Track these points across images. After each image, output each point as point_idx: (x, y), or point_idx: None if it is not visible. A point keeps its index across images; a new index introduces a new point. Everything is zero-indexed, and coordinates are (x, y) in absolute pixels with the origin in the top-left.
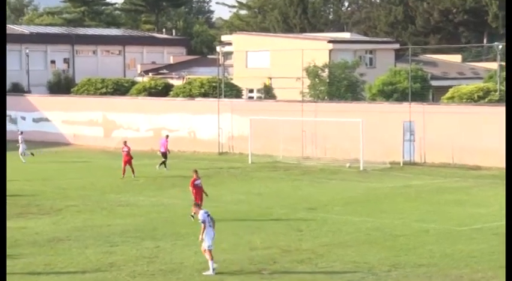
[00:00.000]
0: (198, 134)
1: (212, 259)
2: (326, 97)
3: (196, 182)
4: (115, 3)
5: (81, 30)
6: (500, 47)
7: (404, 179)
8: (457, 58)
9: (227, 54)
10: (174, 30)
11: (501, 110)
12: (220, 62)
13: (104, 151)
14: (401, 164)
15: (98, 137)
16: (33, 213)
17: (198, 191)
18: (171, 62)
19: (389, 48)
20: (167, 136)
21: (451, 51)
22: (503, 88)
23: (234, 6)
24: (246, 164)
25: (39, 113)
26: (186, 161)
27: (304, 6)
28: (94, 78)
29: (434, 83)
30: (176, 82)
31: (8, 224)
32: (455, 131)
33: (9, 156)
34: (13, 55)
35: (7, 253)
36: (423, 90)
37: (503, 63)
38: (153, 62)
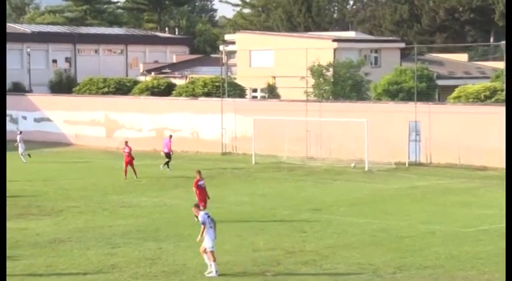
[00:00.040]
0: (201, 134)
1: (215, 261)
2: (331, 97)
3: (200, 182)
4: (117, 2)
5: (83, 29)
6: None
7: (410, 179)
8: (463, 57)
9: (230, 54)
10: (176, 29)
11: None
12: (224, 61)
13: (106, 151)
14: (407, 165)
15: (100, 137)
16: (34, 214)
17: (202, 192)
18: (174, 61)
19: (395, 47)
20: (170, 136)
21: (457, 50)
22: None
23: (237, 5)
24: (249, 165)
25: (40, 113)
26: (189, 162)
27: (309, 5)
28: (96, 77)
29: (440, 82)
30: (179, 82)
31: (9, 225)
32: (461, 131)
33: (10, 156)
34: (14, 54)
35: (8, 254)
36: (429, 90)
37: None
38: (156, 61)
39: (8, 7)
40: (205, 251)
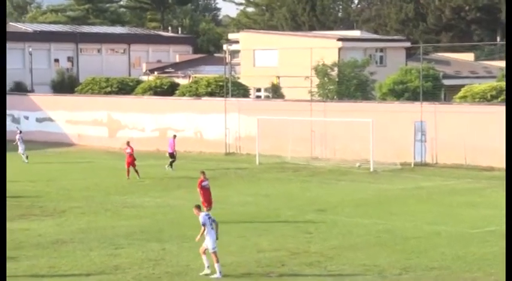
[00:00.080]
0: (205, 134)
1: (218, 262)
2: (335, 96)
3: (204, 183)
4: (120, 1)
5: (86, 28)
6: None
7: (416, 180)
8: (469, 56)
9: (234, 53)
10: (180, 28)
11: None
12: (227, 61)
13: (109, 151)
14: (413, 165)
15: (103, 137)
16: (36, 214)
17: (206, 192)
18: (177, 60)
19: (400, 46)
20: (174, 136)
21: (464, 49)
22: None
23: (241, 4)
24: (253, 165)
25: (42, 113)
26: (192, 162)
27: (313, 4)
28: (98, 77)
29: (446, 82)
30: (182, 81)
31: (11, 225)
32: (467, 131)
33: (11, 156)
34: (16, 53)
35: (10, 255)
36: (435, 90)
37: None
38: (159, 61)
39: (9, 6)
40: (204, 252)
